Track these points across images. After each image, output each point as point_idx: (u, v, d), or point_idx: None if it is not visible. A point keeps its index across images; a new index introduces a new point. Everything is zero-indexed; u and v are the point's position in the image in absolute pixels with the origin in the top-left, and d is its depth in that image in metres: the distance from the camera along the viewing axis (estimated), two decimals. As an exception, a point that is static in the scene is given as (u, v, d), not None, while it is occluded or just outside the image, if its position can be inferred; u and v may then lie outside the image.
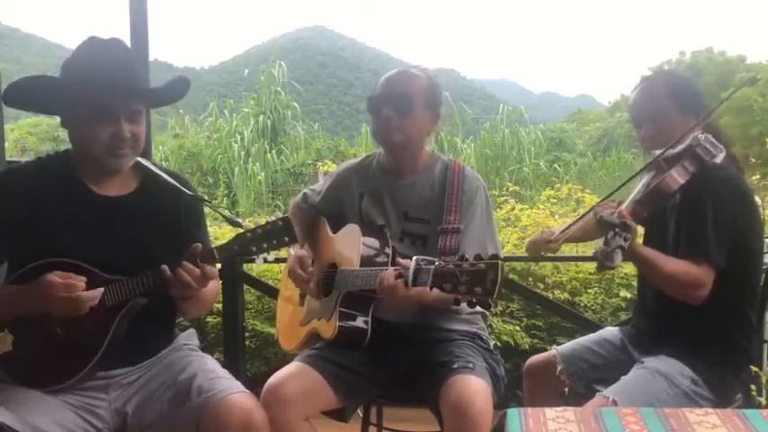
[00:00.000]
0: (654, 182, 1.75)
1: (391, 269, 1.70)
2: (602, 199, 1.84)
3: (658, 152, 1.79)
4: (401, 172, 2.00)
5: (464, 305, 1.56)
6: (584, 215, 1.87)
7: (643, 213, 1.73)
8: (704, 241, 1.71)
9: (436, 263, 1.55)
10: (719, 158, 1.72)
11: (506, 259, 2.05)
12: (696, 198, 1.74)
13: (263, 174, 16.11)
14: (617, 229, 1.57)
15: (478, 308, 1.60)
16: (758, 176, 6.21)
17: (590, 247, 3.17)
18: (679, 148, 1.75)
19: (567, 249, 3.62)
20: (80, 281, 1.51)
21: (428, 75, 1.97)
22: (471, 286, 1.48)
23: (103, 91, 1.57)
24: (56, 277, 1.49)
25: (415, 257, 1.60)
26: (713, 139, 1.73)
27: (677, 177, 1.71)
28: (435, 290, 1.54)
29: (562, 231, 1.87)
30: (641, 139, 1.94)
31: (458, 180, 1.93)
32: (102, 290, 1.54)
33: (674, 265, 1.71)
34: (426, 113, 1.93)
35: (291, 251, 1.99)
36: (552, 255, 2.12)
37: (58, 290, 1.48)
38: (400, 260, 1.69)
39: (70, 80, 1.60)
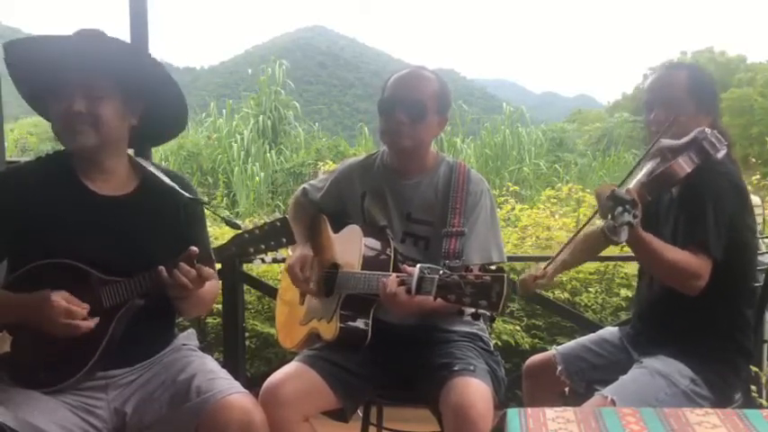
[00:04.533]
0: (659, 168, 1.75)
1: (394, 276, 1.69)
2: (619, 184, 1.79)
3: (665, 140, 1.79)
4: (405, 172, 1.99)
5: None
6: (566, 244, 1.83)
7: (647, 197, 1.72)
8: (703, 232, 1.71)
9: (440, 272, 1.54)
10: (721, 154, 1.73)
11: (507, 259, 2.04)
12: (696, 191, 1.74)
13: (262, 174, 16.10)
14: (627, 206, 1.55)
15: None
16: (758, 176, 6.20)
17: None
18: (684, 139, 1.76)
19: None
20: (82, 308, 1.52)
21: (438, 77, 1.96)
22: (476, 299, 1.48)
23: (56, 65, 1.56)
24: (60, 300, 1.50)
25: (419, 265, 1.59)
26: (718, 134, 1.73)
27: (683, 165, 1.71)
28: (439, 299, 1.54)
29: (546, 266, 1.83)
30: (649, 123, 1.93)
31: (463, 182, 1.93)
32: (96, 321, 1.54)
33: (675, 254, 1.71)
34: (436, 118, 1.93)
35: (290, 251, 1.98)
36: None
37: (59, 315, 1.49)
38: (406, 267, 1.67)
39: (35, 61, 1.60)
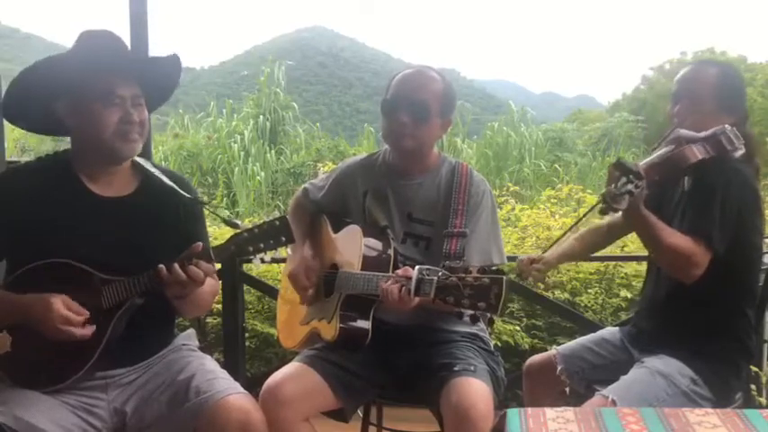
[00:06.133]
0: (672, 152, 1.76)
1: (392, 281, 1.67)
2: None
3: (684, 130, 1.79)
4: (408, 172, 1.98)
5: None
6: (566, 232, 1.84)
7: (655, 176, 1.72)
8: (708, 222, 1.71)
9: (439, 273, 1.54)
10: (738, 153, 1.74)
11: (507, 259, 2.04)
12: (706, 183, 1.75)
13: (262, 174, 16.10)
14: (631, 176, 1.56)
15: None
16: (758, 176, 6.20)
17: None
18: (704, 133, 1.76)
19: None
20: (81, 315, 1.52)
21: (444, 79, 1.94)
22: (474, 300, 1.48)
23: (107, 76, 1.58)
24: (60, 305, 1.49)
25: (417, 267, 1.59)
26: (738, 133, 1.74)
27: (695, 151, 1.71)
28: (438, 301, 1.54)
29: (544, 252, 1.85)
30: (671, 115, 1.94)
31: (465, 183, 1.92)
32: (93, 329, 1.54)
33: (675, 238, 1.71)
34: (439, 120, 1.92)
35: (289, 251, 1.97)
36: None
37: (56, 320, 1.49)
38: (408, 270, 1.66)
39: (70, 71, 1.59)
